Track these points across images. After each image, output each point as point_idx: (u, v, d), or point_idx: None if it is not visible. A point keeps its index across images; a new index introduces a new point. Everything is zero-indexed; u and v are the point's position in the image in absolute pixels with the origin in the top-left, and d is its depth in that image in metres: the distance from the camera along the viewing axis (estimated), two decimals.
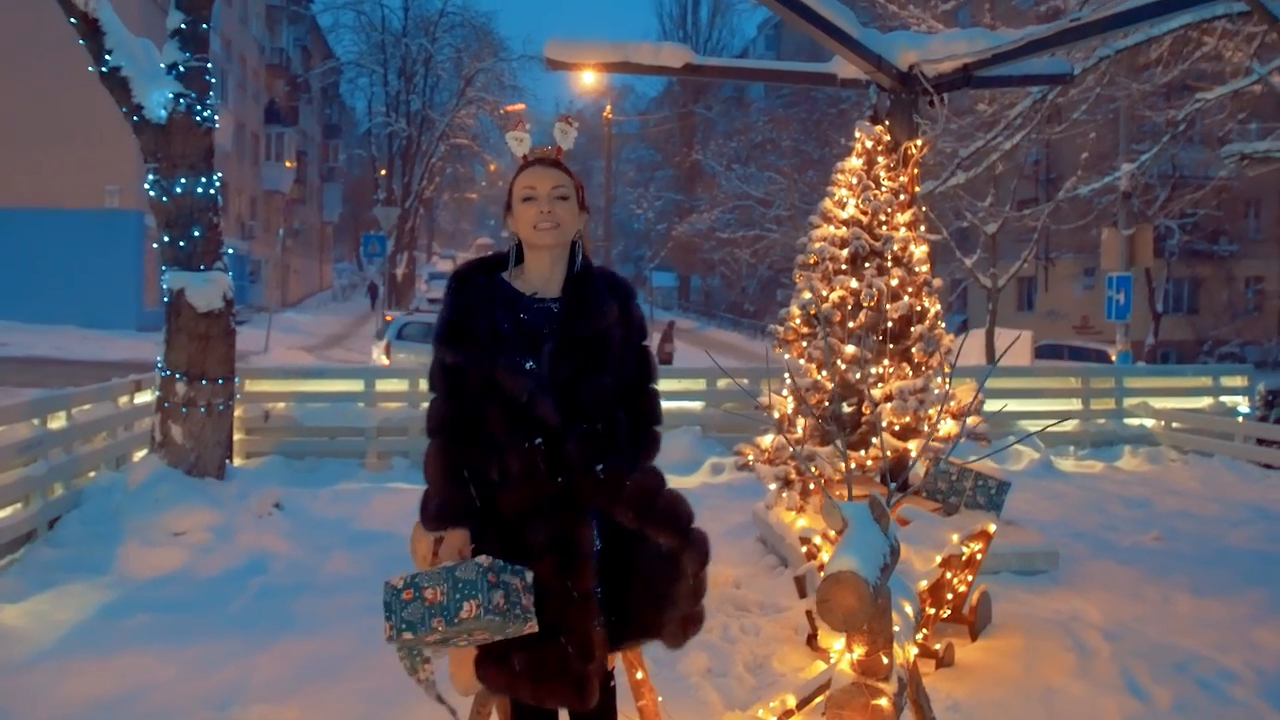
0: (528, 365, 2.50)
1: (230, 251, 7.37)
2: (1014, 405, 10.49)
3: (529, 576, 2.44)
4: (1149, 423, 10.57)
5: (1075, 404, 10.77)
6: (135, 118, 6.68)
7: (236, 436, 8.88)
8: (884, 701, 2.55)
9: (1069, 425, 10.47)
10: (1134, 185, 16.24)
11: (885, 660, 2.59)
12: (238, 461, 8.85)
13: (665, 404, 10.33)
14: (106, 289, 26.30)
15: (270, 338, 24.43)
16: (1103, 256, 16.26)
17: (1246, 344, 28.25)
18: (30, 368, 18.18)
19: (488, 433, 2.50)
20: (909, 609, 3.08)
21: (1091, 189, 15.66)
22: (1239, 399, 10.84)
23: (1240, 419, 10.31)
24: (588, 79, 34.89)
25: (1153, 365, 18.84)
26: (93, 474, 7.06)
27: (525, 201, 2.54)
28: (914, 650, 2.97)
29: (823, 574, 2.42)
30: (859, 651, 2.60)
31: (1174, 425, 10.38)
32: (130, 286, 27.51)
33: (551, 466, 2.49)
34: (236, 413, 8.77)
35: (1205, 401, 10.82)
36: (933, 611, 4.47)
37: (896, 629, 2.80)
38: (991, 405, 10.16)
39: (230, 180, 34.16)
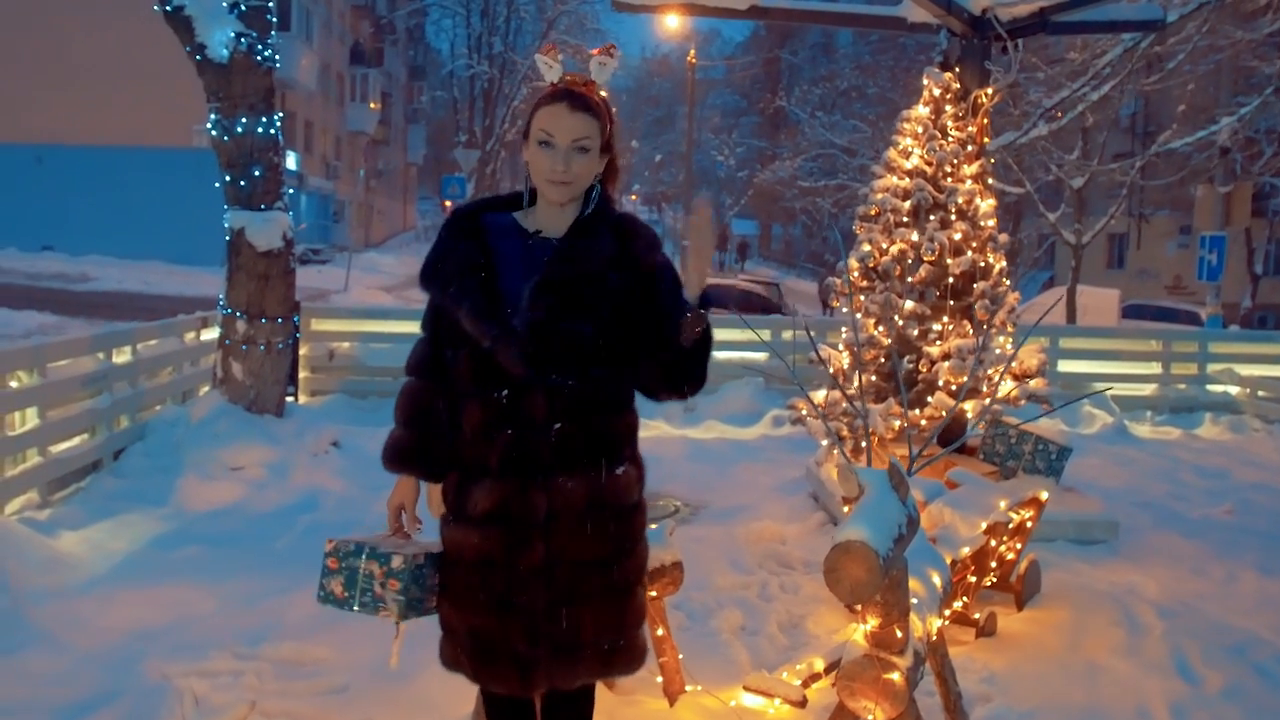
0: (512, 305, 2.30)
1: (289, 191, 7.38)
2: (1092, 367, 10.14)
3: (432, 579, 2.37)
4: (1233, 390, 10.11)
5: (1155, 367, 10.35)
6: (198, 57, 6.73)
7: (302, 374, 9.02)
8: (896, 676, 2.46)
9: (1147, 389, 10.07)
10: (1235, 140, 15.38)
11: (900, 634, 2.49)
12: (303, 399, 9.00)
13: (727, 354, 10.10)
14: (193, 226, 26.89)
15: (350, 277, 24.84)
16: (1196, 215, 15.52)
17: None
18: (119, 301, 18.74)
19: (457, 379, 2.33)
20: (937, 579, 2.96)
21: (1186, 144, 14.86)
22: None
23: None
24: (671, 23, 34.39)
25: (1243, 330, 18.01)
26: (158, 408, 7.24)
27: (541, 146, 2.27)
28: (937, 623, 2.85)
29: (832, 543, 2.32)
30: (873, 623, 2.50)
31: (1260, 394, 9.91)
32: (216, 223, 28.10)
33: (510, 420, 2.26)
34: (302, 351, 8.90)
35: None
36: (975, 579, 4.33)
37: (917, 601, 2.69)
38: (1064, 366, 9.85)
39: (315, 120, 34.53)
